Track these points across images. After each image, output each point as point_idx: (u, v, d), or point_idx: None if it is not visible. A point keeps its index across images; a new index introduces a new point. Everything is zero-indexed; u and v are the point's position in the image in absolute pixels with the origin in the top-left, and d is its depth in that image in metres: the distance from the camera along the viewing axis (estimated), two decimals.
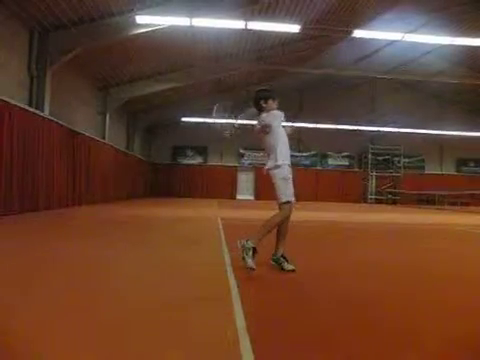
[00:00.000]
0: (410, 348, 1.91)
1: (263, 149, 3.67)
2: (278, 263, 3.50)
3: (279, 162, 3.47)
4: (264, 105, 3.59)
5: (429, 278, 3.61)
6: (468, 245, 6.41)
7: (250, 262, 3.16)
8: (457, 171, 27.64)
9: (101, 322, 2.15)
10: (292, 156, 3.64)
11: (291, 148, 3.60)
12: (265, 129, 3.50)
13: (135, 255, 4.25)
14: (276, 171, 3.47)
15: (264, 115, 3.56)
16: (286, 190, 3.47)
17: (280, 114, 3.56)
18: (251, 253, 3.19)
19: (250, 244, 3.21)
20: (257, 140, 3.75)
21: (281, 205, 3.47)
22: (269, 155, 3.57)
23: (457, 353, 1.91)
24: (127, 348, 1.82)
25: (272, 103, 3.60)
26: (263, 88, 3.78)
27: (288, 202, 3.46)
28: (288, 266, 3.46)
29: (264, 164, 3.63)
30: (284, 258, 3.51)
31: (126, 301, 2.54)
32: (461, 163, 27.73)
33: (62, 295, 2.65)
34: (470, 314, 2.52)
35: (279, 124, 3.55)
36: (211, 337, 1.97)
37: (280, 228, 3.55)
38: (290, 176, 3.54)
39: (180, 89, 18.21)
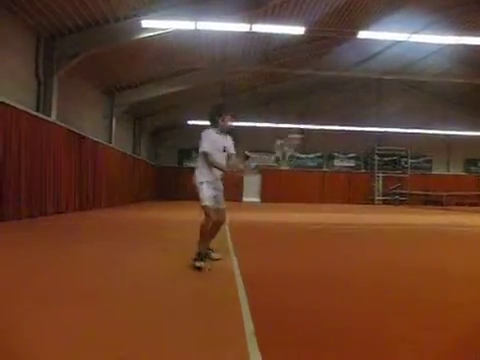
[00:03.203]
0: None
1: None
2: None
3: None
4: (219, 120, 3.81)
5: (432, 279, 3.58)
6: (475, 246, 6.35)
7: (199, 263, 3.57)
8: (465, 171, 27.37)
9: (102, 324, 2.16)
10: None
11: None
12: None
13: (141, 257, 4.27)
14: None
15: (231, 141, 3.91)
16: (204, 195, 3.83)
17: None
18: (199, 258, 3.62)
19: (196, 255, 3.66)
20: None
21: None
22: (204, 170, 4.03)
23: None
24: (134, 350, 1.83)
25: (228, 119, 3.83)
26: (220, 104, 4.09)
27: (206, 206, 3.76)
28: (215, 256, 4.01)
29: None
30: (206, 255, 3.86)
31: (133, 301, 2.55)
32: (469, 163, 27.45)
33: (67, 296, 2.66)
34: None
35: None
36: (219, 339, 1.97)
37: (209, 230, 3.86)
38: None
39: (186, 92, 18.25)
